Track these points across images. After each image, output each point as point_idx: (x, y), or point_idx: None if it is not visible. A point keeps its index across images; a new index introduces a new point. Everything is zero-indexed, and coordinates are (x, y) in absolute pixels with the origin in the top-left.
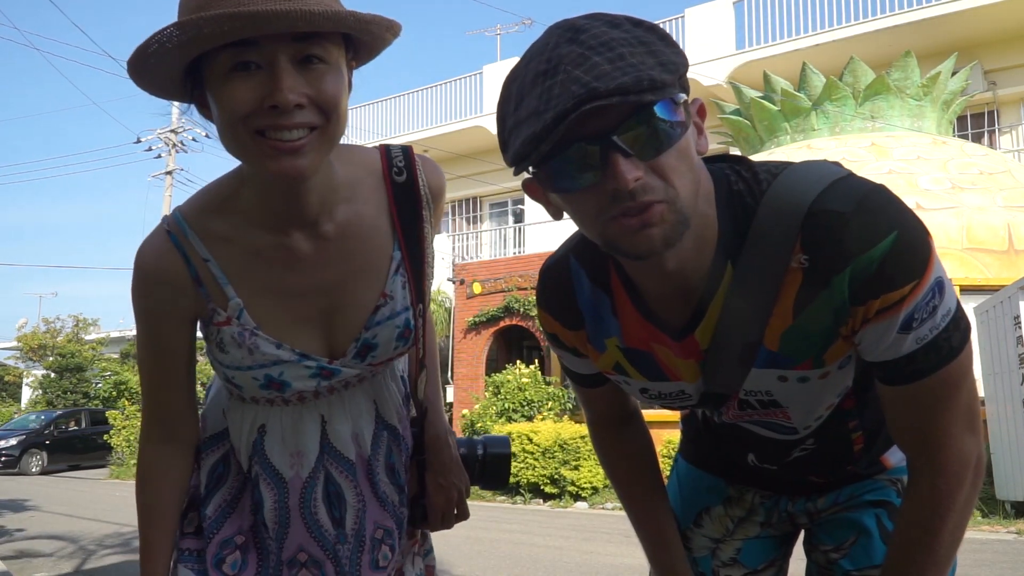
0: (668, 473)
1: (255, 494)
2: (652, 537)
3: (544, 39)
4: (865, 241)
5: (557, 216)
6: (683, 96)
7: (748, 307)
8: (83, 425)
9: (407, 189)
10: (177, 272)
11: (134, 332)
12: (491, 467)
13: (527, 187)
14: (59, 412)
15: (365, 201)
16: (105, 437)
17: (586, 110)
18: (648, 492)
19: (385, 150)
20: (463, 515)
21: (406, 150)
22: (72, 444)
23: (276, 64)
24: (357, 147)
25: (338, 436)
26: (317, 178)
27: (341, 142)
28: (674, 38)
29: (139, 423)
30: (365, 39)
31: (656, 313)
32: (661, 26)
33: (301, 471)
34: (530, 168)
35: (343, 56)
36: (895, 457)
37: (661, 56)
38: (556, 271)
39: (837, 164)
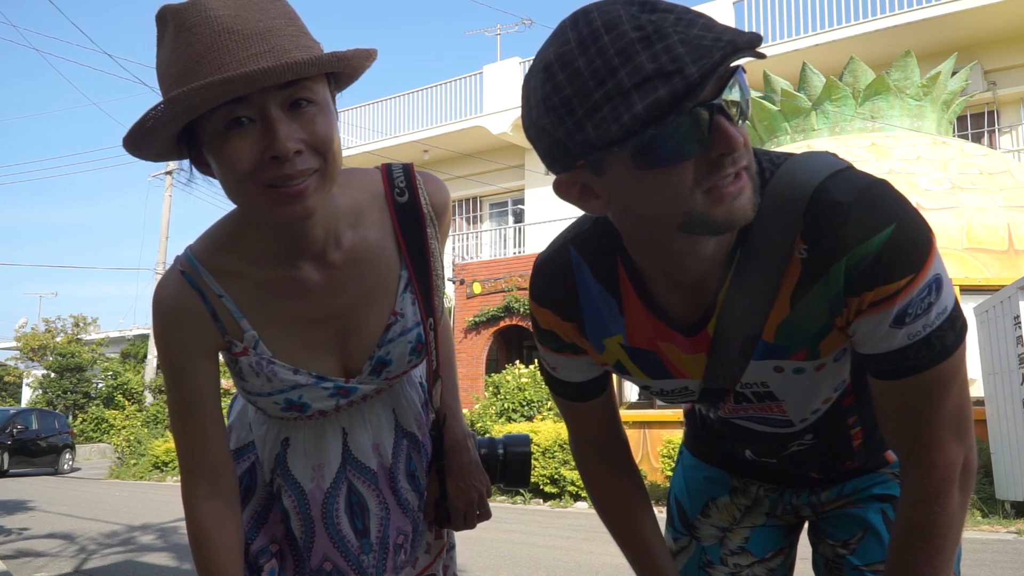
0: (671, 470)
1: (280, 505)
2: (642, 561)
3: (603, 17)
4: (863, 232)
5: (603, 211)
6: None
7: (750, 299)
8: (32, 426)
9: (410, 209)
10: (195, 308)
11: (134, 332)
12: (512, 466)
13: (564, 185)
14: (12, 411)
15: (370, 225)
16: (105, 438)
17: (730, 62)
18: (638, 525)
19: (387, 171)
20: (485, 515)
21: (407, 169)
22: (27, 446)
23: (268, 115)
24: (359, 171)
25: (359, 447)
26: (320, 212)
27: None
28: None
29: (139, 423)
30: (347, 72)
31: (666, 310)
32: None
33: (322, 483)
34: (590, 158)
35: (327, 89)
36: None
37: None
38: (555, 260)
39: (835, 155)
